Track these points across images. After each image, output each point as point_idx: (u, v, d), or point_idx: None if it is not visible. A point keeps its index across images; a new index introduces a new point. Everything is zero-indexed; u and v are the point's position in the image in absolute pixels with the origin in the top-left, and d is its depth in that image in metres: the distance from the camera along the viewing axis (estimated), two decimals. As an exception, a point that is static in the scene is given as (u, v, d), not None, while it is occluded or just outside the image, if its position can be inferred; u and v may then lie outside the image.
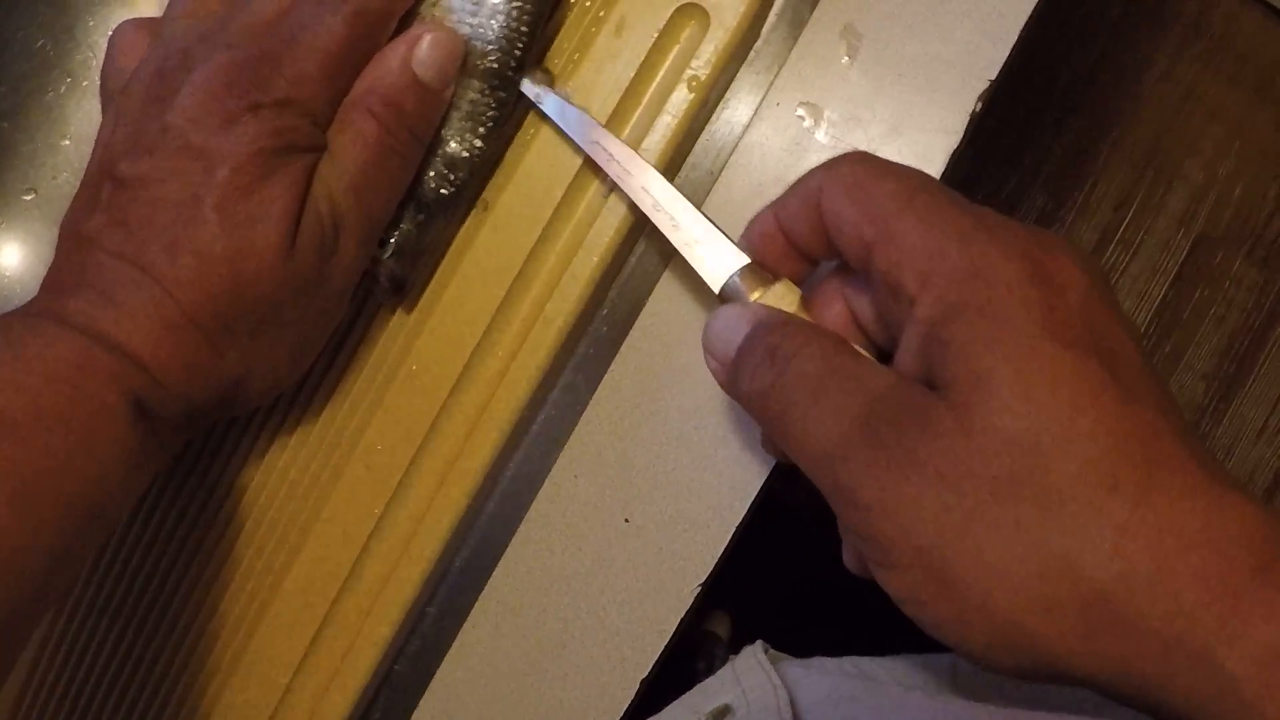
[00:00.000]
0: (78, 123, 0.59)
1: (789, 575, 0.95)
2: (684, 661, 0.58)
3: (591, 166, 0.45)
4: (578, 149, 0.44)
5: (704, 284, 0.39)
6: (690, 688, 0.58)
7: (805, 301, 0.38)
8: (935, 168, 0.45)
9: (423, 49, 0.40)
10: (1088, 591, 0.29)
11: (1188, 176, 1.30)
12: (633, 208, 0.44)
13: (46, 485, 0.34)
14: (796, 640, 0.56)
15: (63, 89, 0.59)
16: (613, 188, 0.45)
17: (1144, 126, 1.30)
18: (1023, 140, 1.31)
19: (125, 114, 0.40)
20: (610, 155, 0.42)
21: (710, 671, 0.58)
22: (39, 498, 0.34)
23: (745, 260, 0.38)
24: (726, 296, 0.39)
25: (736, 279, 0.38)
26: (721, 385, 0.38)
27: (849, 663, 0.50)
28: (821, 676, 0.49)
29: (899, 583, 0.31)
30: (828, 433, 0.32)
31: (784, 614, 0.81)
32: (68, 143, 0.59)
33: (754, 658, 0.50)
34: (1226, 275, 1.30)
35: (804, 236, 0.36)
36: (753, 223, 0.39)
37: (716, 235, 0.40)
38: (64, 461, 0.35)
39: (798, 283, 0.38)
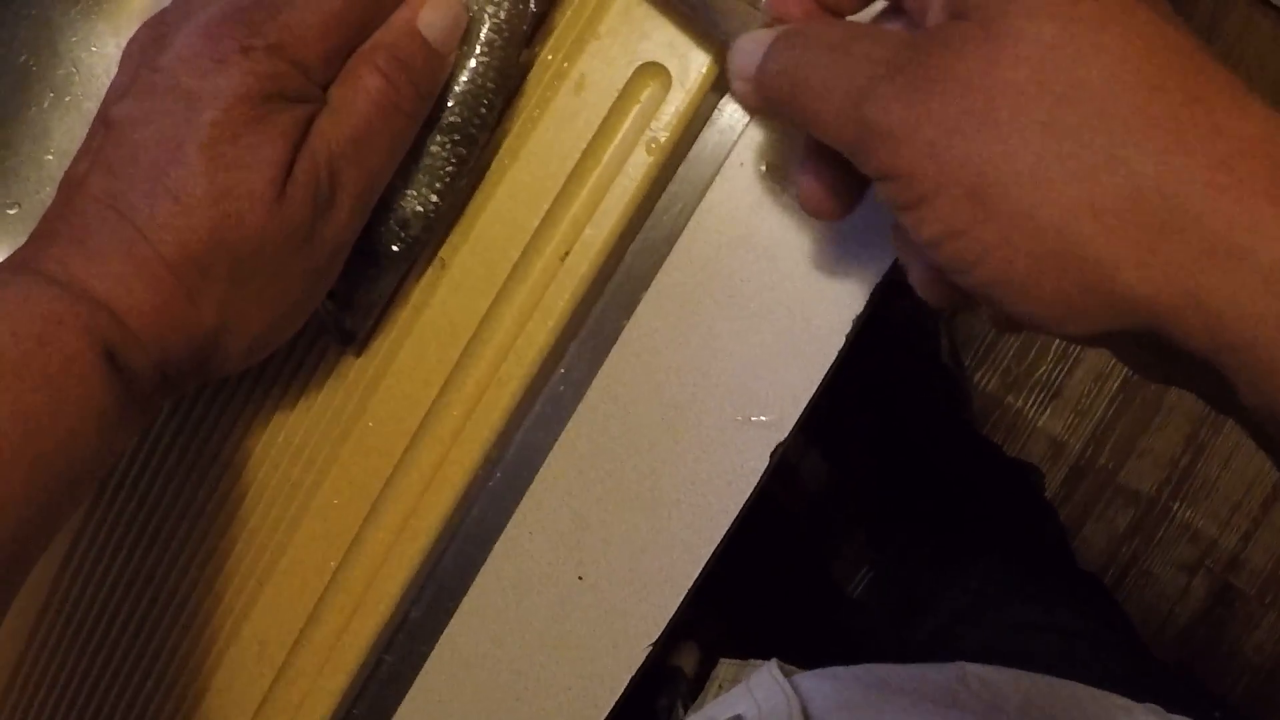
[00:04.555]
0: (61, 137, 0.59)
1: (762, 601, 0.95)
2: (647, 699, 0.59)
3: (546, 228, 0.45)
4: (532, 210, 0.44)
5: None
6: (652, 726, 0.58)
7: None
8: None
9: (428, 11, 0.40)
10: (1141, 189, 0.27)
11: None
12: (591, 267, 0.44)
13: (13, 444, 0.33)
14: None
15: (46, 104, 0.59)
16: (567, 251, 0.44)
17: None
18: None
19: (127, 59, 0.39)
20: None
21: (673, 709, 0.59)
22: (5, 457, 0.33)
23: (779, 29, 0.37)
24: None
25: None
26: (749, 104, 0.37)
27: (861, 669, 0.51)
28: (835, 685, 0.49)
29: (933, 216, 0.30)
30: (853, 79, 0.31)
31: (759, 639, 0.81)
32: (51, 157, 0.59)
33: (768, 672, 0.50)
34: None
35: None
36: None
37: (748, 10, 0.39)
38: (31, 418, 0.33)
39: None
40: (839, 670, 0.51)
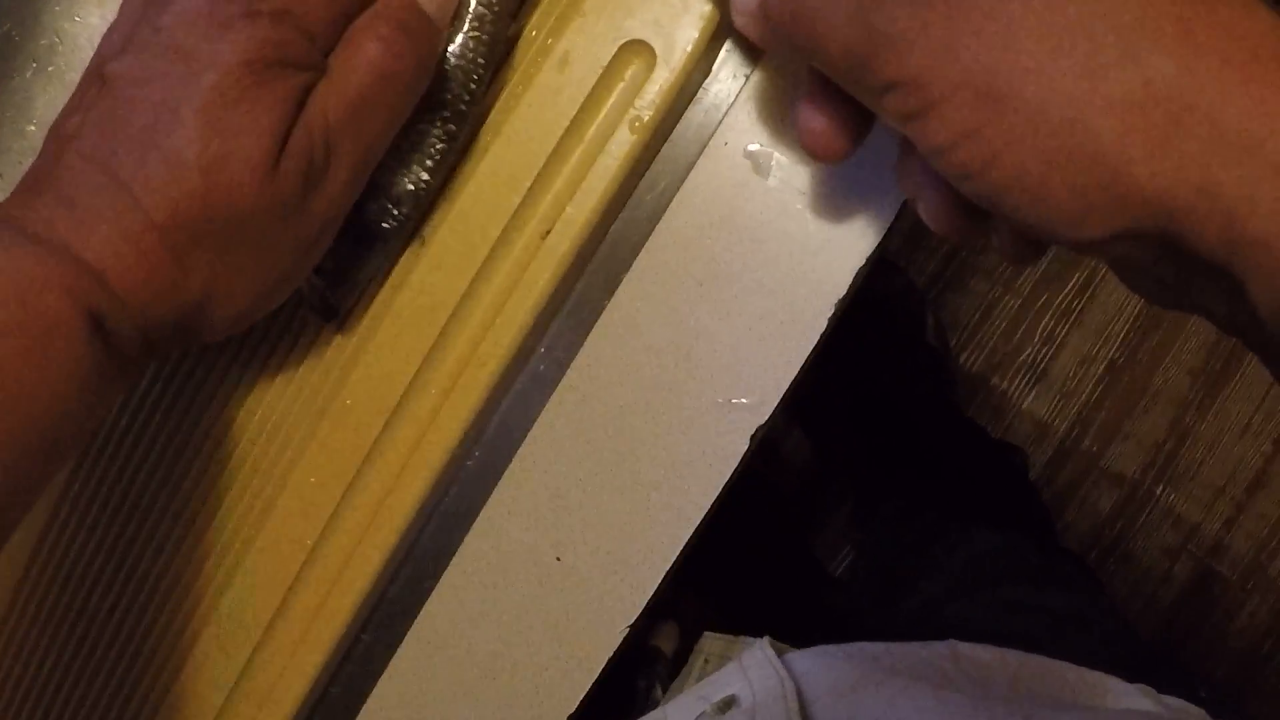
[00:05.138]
0: (44, 108, 0.58)
1: (744, 578, 0.95)
2: (625, 679, 0.59)
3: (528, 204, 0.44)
4: (514, 187, 0.44)
5: None
6: (631, 706, 0.58)
7: None
8: (889, 211, 0.45)
9: None
10: (1153, 84, 0.27)
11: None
12: (572, 247, 0.44)
13: None
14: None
15: (29, 74, 0.58)
16: (548, 229, 0.44)
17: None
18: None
19: (125, 13, 0.39)
20: None
21: (650, 690, 0.59)
22: None
23: None
24: None
25: None
26: (755, 36, 0.38)
27: (853, 648, 0.51)
28: (828, 666, 0.49)
29: (944, 120, 0.30)
30: None
31: (742, 617, 0.81)
32: (33, 128, 0.58)
33: (761, 651, 0.50)
34: (1218, 269, 1.28)
35: None
36: None
37: None
38: (13, 383, 0.33)
39: None
40: (830, 649, 0.51)
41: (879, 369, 1.19)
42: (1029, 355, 1.31)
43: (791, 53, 0.39)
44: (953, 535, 0.91)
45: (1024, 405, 1.31)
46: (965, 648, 0.52)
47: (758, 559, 1.08)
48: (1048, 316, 1.31)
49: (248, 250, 0.38)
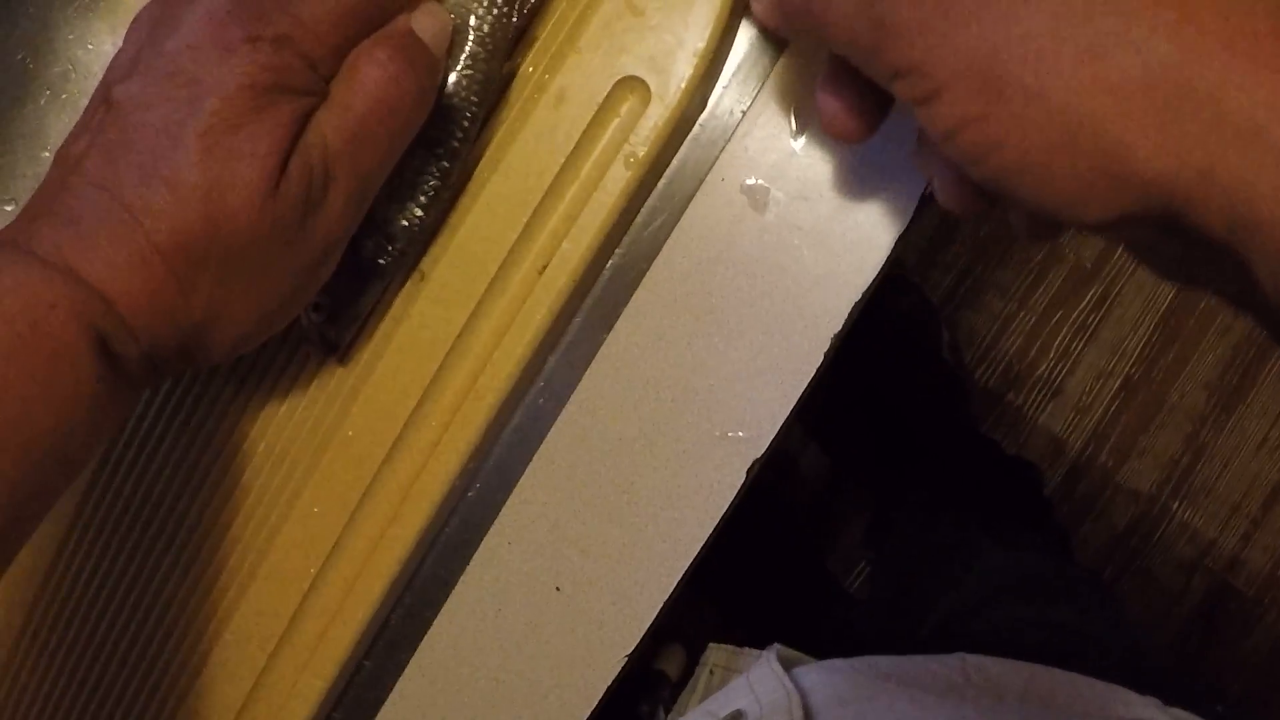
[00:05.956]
0: (58, 135, 0.59)
1: (758, 592, 0.95)
2: (629, 704, 0.59)
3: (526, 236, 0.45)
4: (511, 223, 0.44)
5: None
6: (634, 732, 0.59)
7: None
8: (886, 244, 0.45)
9: (421, 15, 0.40)
10: (1154, 68, 0.27)
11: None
12: (568, 281, 0.45)
13: (1, 429, 0.33)
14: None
15: (42, 101, 0.59)
16: (545, 264, 0.44)
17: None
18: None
19: (132, 38, 0.39)
20: None
21: (654, 715, 0.59)
22: None
23: None
24: None
25: None
26: (771, 24, 0.40)
27: (861, 662, 0.51)
28: (835, 679, 0.50)
29: (948, 106, 0.31)
30: None
31: (755, 630, 0.82)
32: (47, 155, 0.59)
33: (768, 666, 0.51)
34: (1235, 284, 1.27)
35: None
36: None
37: None
38: (22, 404, 0.33)
39: None
40: (838, 663, 0.51)
41: (894, 385, 1.19)
42: (1044, 371, 1.31)
43: (806, 40, 0.40)
44: (967, 552, 0.91)
45: (1039, 421, 1.31)
46: (974, 659, 0.53)
47: (773, 573, 1.08)
48: (1063, 332, 1.31)
49: (249, 273, 0.38)
